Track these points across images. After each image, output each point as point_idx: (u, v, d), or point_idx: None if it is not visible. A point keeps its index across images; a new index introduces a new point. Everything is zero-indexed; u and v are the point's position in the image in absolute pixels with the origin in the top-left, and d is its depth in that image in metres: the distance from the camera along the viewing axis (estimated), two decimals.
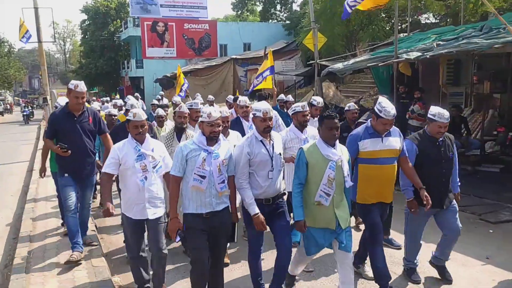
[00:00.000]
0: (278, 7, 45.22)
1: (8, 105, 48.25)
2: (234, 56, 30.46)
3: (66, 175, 5.05)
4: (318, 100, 6.70)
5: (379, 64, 9.52)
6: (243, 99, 5.98)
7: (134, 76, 35.86)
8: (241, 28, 36.59)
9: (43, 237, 5.87)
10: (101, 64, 38.97)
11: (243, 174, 3.82)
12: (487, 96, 11.88)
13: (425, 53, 8.16)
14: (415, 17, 23.43)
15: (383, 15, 21.69)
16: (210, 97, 13.08)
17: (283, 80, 25.49)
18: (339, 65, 10.94)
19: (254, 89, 10.77)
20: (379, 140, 4.15)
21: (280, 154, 3.95)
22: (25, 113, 31.49)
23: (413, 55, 8.48)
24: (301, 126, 4.94)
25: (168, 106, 10.31)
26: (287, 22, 36.53)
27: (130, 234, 4.12)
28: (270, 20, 44.03)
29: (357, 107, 6.46)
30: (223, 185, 3.70)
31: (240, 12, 46.34)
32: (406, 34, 15.14)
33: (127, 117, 4.04)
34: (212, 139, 3.65)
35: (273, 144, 3.91)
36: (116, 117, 7.40)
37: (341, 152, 3.79)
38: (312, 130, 5.10)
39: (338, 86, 20.41)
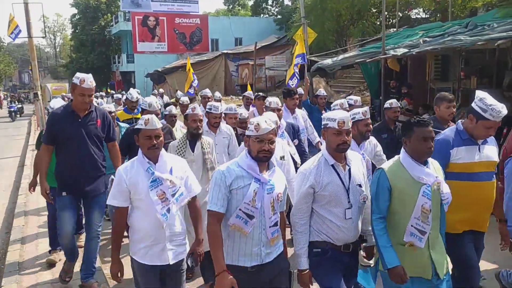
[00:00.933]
0: (270, 1, 45.21)
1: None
2: (225, 51, 30.52)
3: (64, 194, 4.06)
4: (355, 98, 6.17)
5: (367, 60, 9.69)
6: (274, 100, 4.97)
7: (125, 70, 35.81)
8: (233, 23, 36.60)
9: (35, 231, 5.96)
10: (92, 58, 38.83)
11: (300, 211, 2.84)
12: (474, 92, 12.07)
13: (411, 50, 8.33)
14: (406, 12, 23.64)
15: (374, 10, 21.85)
16: (217, 94, 12.10)
17: (274, 75, 25.61)
18: (329, 61, 11.09)
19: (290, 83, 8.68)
20: (476, 148, 3.18)
21: (360, 185, 2.85)
22: (12, 109, 27.33)
23: (400, 51, 8.64)
24: (362, 138, 3.99)
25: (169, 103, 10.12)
26: (279, 16, 36.61)
27: (144, 285, 3.04)
28: (262, 15, 44.04)
29: (398, 104, 5.83)
30: (275, 229, 2.71)
31: (231, 6, 46.28)
32: (395, 29, 15.34)
33: (138, 126, 3.03)
34: (262, 160, 2.62)
35: (349, 170, 2.84)
36: (114, 114, 5.96)
37: (435, 171, 2.83)
38: (369, 144, 4.24)
39: (328, 81, 20.57)
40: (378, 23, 22.86)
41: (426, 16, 24.44)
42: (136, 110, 6.78)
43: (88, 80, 3.92)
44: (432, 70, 13.09)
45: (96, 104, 10.42)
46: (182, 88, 27.30)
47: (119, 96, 11.66)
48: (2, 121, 23.80)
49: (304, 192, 2.78)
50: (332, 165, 2.79)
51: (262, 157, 2.60)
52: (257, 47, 23.07)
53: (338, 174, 2.78)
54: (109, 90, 31.86)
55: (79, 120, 4.01)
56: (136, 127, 3.04)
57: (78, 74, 3.99)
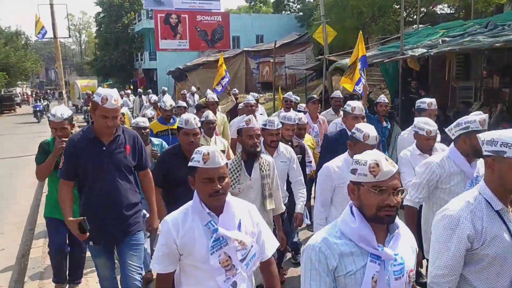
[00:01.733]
0: None
1: (25, 96, 49.26)
2: (246, 48, 30.61)
3: (91, 243, 3.29)
4: (428, 101, 4.90)
5: (385, 61, 9.64)
6: (358, 106, 4.05)
7: (147, 68, 36.29)
8: (254, 20, 36.65)
9: None
10: (116, 56, 39.51)
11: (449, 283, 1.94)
12: (496, 91, 11.89)
13: (430, 50, 8.27)
14: (430, 8, 23.27)
15: (396, 7, 21.58)
16: (234, 89, 12.19)
17: (294, 73, 25.59)
18: (347, 61, 11.05)
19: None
20: None
21: None
22: (37, 109, 25.00)
23: (418, 51, 8.59)
24: (475, 155, 2.87)
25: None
26: (300, 13, 36.47)
27: None
28: (283, 12, 43.95)
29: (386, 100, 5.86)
30: None
31: (253, 3, 46.34)
32: (417, 26, 15.16)
33: (193, 163, 2.14)
34: (383, 221, 1.71)
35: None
36: (147, 131, 4.82)
37: None
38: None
39: None
40: (399, 19, 22.58)
41: (451, 11, 24.04)
42: (172, 119, 5.97)
43: (111, 98, 3.01)
44: (453, 69, 12.92)
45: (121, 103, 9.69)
46: (203, 85, 27.61)
47: (154, 97, 11.07)
48: (28, 121, 23.96)
49: (460, 251, 1.91)
50: (499, 211, 1.93)
51: (385, 216, 1.68)
52: (277, 45, 23.10)
53: (506, 223, 1.92)
54: (131, 87, 32.42)
55: (104, 148, 3.14)
56: (190, 164, 2.15)
57: (100, 91, 3.10)
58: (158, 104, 10.32)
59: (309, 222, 4.54)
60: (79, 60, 66.26)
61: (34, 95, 41.35)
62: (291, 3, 45.51)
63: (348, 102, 4.21)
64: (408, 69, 11.11)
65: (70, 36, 48.62)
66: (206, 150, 2.10)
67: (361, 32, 7.89)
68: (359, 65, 7.04)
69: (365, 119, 4.12)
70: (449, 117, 9.77)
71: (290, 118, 4.42)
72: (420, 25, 17.66)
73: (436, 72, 12.87)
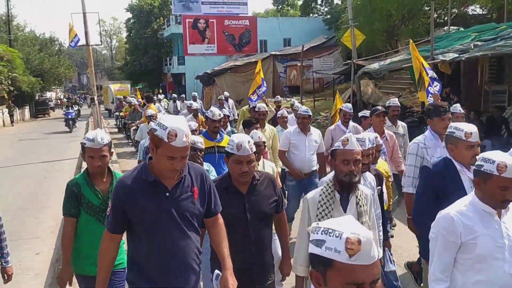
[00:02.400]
0: (319, 1, 44.94)
1: (59, 101, 50.80)
2: (273, 52, 30.65)
3: None
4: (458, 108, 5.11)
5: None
6: (473, 130, 2.98)
7: (176, 72, 36.82)
8: (281, 23, 36.67)
9: None
10: (145, 61, 40.29)
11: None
12: None
13: (461, 55, 8.11)
14: (461, 9, 22.78)
15: (426, 9, 21.23)
16: (277, 97, 12.03)
17: (322, 77, 25.46)
18: (375, 65, 10.97)
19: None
20: None
21: None
22: (69, 116, 22.30)
23: (449, 56, 8.43)
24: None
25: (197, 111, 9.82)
26: (328, 16, 36.31)
27: None
28: (311, 15, 43.82)
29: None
30: None
31: (280, 7, 46.40)
32: (448, 28, 14.85)
33: None
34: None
35: None
36: (202, 153, 4.16)
37: None
38: None
39: (377, 83, 20.21)
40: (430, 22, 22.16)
41: (483, 12, 23.46)
42: (218, 135, 5.04)
43: (182, 134, 2.28)
44: (486, 73, 12.61)
45: (156, 110, 10.11)
46: (230, 89, 27.81)
47: (195, 104, 10.30)
48: (60, 130, 22.55)
49: None
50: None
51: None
52: (304, 48, 23.08)
53: None
54: (160, 91, 32.91)
55: (167, 194, 2.45)
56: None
57: (164, 121, 2.31)
58: (199, 112, 10.30)
59: (394, 268, 3.78)
60: (110, 64, 67.83)
61: (65, 98, 42.19)
62: (318, 6, 45.40)
63: (457, 125, 3.06)
64: (439, 73, 10.91)
65: (102, 43, 49.83)
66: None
67: (411, 41, 7.71)
68: (427, 76, 6.42)
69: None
70: (482, 121, 9.54)
71: (364, 141, 3.30)
72: (451, 27, 17.31)
73: (468, 76, 12.60)
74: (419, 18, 20.49)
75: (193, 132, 5.59)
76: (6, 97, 27.41)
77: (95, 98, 14.71)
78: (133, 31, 42.27)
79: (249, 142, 2.77)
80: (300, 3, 47.06)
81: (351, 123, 6.48)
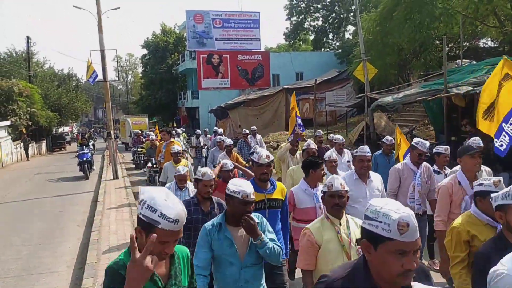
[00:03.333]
0: (331, 35, 45.67)
1: (74, 135, 51.67)
2: (286, 86, 31.02)
3: None
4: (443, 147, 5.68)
5: (428, 98, 9.53)
6: None
7: (190, 106, 37.35)
8: (293, 58, 37.26)
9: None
10: (160, 95, 41.05)
11: None
12: None
13: (475, 88, 8.12)
14: (473, 42, 22.96)
15: (437, 42, 21.46)
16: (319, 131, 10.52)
17: (335, 109, 25.62)
18: (389, 98, 11.03)
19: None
20: None
21: None
22: (84, 159, 16.73)
23: (463, 89, 8.46)
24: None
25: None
26: (339, 50, 36.81)
27: None
28: (323, 49, 44.49)
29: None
30: None
31: (292, 42, 47.26)
32: (460, 61, 14.95)
33: None
34: None
35: None
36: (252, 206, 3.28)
37: None
38: None
39: (390, 115, 20.25)
40: (442, 55, 22.35)
41: (495, 45, 23.59)
42: (269, 184, 4.00)
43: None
44: None
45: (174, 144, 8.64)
46: (244, 123, 28.05)
47: (228, 140, 9.11)
48: (74, 175, 17.46)
49: None
50: None
51: None
52: (317, 82, 23.33)
53: None
54: (174, 125, 33.30)
55: None
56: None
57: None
58: (234, 149, 9.22)
59: None
60: (125, 99, 69.13)
61: (79, 132, 41.76)
62: (330, 41, 46.10)
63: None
64: (452, 105, 10.92)
65: (119, 79, 51.09)
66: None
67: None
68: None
69: None
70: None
71: None
72: (464, 60, 17.40)
73: None
74: (431, 51, 20.65)
75: (228, 173, 5.13)
76: (24, 132, 27.97)
77: (112, 132, 14.95)
78: (148, 67, 43.25)
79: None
80: (311, 38, 47.88)
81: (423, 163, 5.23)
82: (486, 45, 25.00)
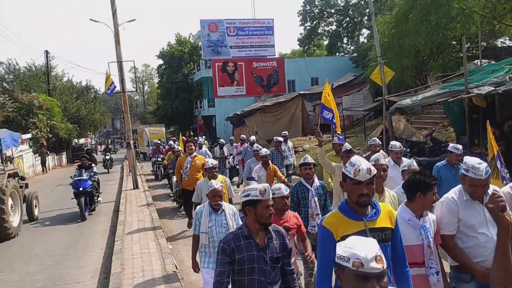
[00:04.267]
0: (345, 40, 45.54)
1: (93, 146, 52.43)
2: (302, 92, 30.97)
3: None
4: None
5: (449, 100, 9.40)
6: None
7: (206, 115, 37.57)
8: (308, 63, 37.24)
9: (130, 277, 6.40)
10: (176, 104, 41.44)
11: None
12: None
13: (497, 88, 7.98)
14: (490, 42, 22.63)
15: (454, 43, 21.19)
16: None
17: (352, 114, 25.46)
18: (408, 101, 10.91)
19: None
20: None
21: None
22: (82, 189, 11.50)
23: (485, 89, 8.33)
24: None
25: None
26: (354, 54, 36.66)
27: None
28: (337, 54, 44.36)
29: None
30: None
31: (307, 47, 47.25)
32: (479, 61, 14.72)
33: None
34: None
35: None
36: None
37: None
38: None
39: (408, 118, 20.02)
40: (461, 55, 22.07)
41: None
42: (371, 209, 2.81)
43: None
44: None
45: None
46: (260, 129, 28.05)
47: (264, 150, 8.08)
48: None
49: None
50: None
51: None
52: (333, 86, 23.24)
53: None
54: (191, 133, 33.50)
55: None
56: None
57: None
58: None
59: None
60: (142, 109, 69.89)
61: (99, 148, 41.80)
62: (344, 45, 45.96)
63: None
64: (473, 106, 10.74)
65: (137, 90, 51.77)
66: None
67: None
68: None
69: None
70: None
71: None
72: (482, 60, 17.11)
73: (504, 108, 12.32)
74: (448, 52, 20.40)
75: (284, 200, 4.07)
76: (45, 144, 28.43)
77: (131, 142, 15.10)
78: (164, 77, 43.73)
79: None
80: (326, 43, 47.79)
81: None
82: (505, 45, 24.63)
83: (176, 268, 6.81)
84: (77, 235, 9.90)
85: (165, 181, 15.92)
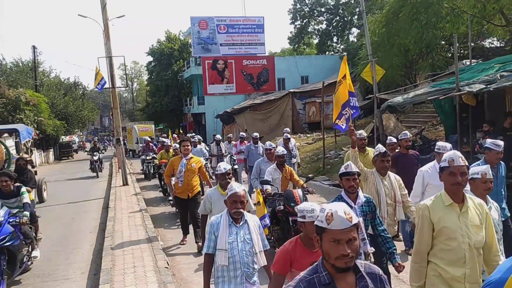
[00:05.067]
0: (335, 39, 45.66)
1: (81, 143, 51.95)
2: (292, 90, 31.02)
3: None
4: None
5: (440, 97, 9.45)
6: None
7: (196, 112, 37.44)
8: (298, 61, 37.30)
9: (122, 273, 6.33)
10: (166, 102, 41.21)
11: None
12: None
13: (489, 86, 8.04)
14: (478, 42, 22.86)
15: (443, 42, 21.37)
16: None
17: None
18: (399, 99, 10.94)
19: None
20: None
21: None
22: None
23: (476, 87, 8.38)
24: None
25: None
26: (344, 53, 36.74)
27: None
28: (327, 52, 44.47)
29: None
30: None
31: (296, 46, 47.29)
32: (468, 61, 14.85)
33: None
34: None
35: None
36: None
37: None
38: None
39: (398, 117, 20.15)
40: (450, 55, 22.29)
41: (501, 45, 23.47)
42: None
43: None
44: (510, 103, 12.44)
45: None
46: (250, 127, 28.00)
47: (281, 148, 7.29)
48: (84, 182, 21.29)
49: None
50: None
51: None
52: (325, 84, 23.27)
53: None
54: (181, 131, 33.36)
55: None
56: None
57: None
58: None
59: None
60: (131, 106, 69.37)
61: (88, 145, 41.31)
62: (334, 44, 46.07)
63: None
64: (463, 104, 10.82)
65: (127, 86, 51.31)
66: None
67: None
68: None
69: None
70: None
71: None
72: (472, 60, 17.24)
73: (493, 107, 12.44)
74: (437, 52, 20.58)
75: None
76: (32, 140, 27.98)
77: (121, 139, 14.96)
78: (154, 74, 43.45)
79: None
80: (316, 41, 47.88)
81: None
82: (492, 45, 24.89)
83: (168, 264, 6.75)
84: (67, 233, 9.77)
85: (156, 180, 14.81)
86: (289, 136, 10.68)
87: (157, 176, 14.15)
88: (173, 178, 7.82)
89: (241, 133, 14.56)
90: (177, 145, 9.74)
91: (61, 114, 35.47)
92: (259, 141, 11.56)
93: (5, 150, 11.95)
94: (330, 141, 18.92)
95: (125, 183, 14.91)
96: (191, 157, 7.68)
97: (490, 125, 10.13)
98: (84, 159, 33.35)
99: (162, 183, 12.40)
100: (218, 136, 13.49)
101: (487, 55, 21.38)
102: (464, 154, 5.70)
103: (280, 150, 7.07)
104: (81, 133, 63.59)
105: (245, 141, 12.90)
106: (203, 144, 14.91)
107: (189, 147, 7.74)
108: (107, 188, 15.92)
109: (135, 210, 10.80)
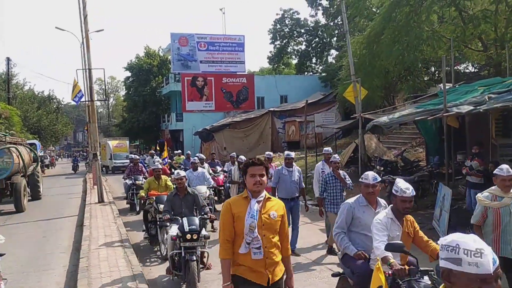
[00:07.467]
0: (314, 60, 46.17)
1: (51, 158, 50.41)
2: (272, 109, 31.01)
3: None
4: None
5: (429, 118, 9.42)
6: None
7: (174, 129, 36.95)
8: (278, 81, 37.46)
9: None
10: (143, 118, 40.57)
11: None
12: None
13: (478, 107, 8.02)
14: (454, 66, 23.37)
15: (421, 66, 21.73)
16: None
17: (321, 132, 25.61)
18: (385, 118, 10.89)
19: None
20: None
21: None
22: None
23: (464, 108, 8.35)
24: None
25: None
26: (323, 74, 37.15)
27: None
28: (306, 73, 44.89)
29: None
30: None
31: (276, 65, 47.60)
32: (450, 85, 15.05)
33: None
34: None
35: None
36: None
37: None
38: None
39: (379, 137, 20.24)
40: (427, 78, 22.70)
41: (475, 70, 24.07)
42: None
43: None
44: (493, 126, 12.56)
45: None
46: (229, 145, 27.72)
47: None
48: (59, 178, 23.57)
49: None
50: None
51: None
52: (303, 104, 23.30)
53: None
54: (157, 148, 32.79)
55: None
56: None
57: None
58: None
59: None
60: (106, 122, 68.14)
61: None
62: (313, 65, 46.58)
63: None
64: (447, 127, 10.84)
65: (106, 99, 50.38)
66: None
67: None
68: None
69: None
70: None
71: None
72: (447, 84, 17.50)
73: (474, 129, 12.54)
74: (416, 75, 20.94)
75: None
76: None
77: (98, 153, 14.41)
78: (132, 89, 42.84)
79: None
80: (295, 62, 48.31)
81: None
82: (467, 70, 25.50)
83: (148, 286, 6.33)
84: (38, 252, 9.17)
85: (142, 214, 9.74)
86: (271, 155, 9.43)
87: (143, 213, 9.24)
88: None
89: (240, 157, 10.60)
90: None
91: (34, 128, 34.46)
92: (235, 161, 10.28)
93: (33, 155, 16.90)
94: (312, 160, 18.78)
95: (101, 200, 14.31)
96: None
97: (480, 147, 10.15)
98: (56, 174, 32.35)
99: (150, 225, 8.56)
100: (242, 157, 10.14)
101: (462, 79, 21.88)
102: (441, 176, 5.59)
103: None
104: (53, 148, 61.88)
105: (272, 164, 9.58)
106: (206, 165, 11.84)
107: (184, 180, 6.58)
108: (81, 205, 15.27)
109: (112, 228, 10.28)
